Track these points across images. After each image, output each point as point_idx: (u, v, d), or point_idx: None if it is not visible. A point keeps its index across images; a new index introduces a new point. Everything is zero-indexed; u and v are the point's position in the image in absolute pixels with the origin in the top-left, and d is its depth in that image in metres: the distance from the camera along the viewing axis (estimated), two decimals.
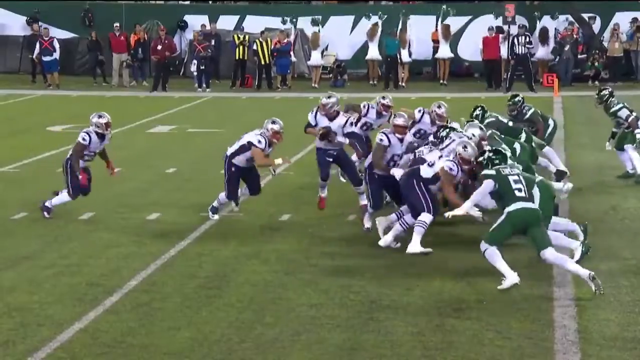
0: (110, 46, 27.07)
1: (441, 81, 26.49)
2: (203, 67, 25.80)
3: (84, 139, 10.95)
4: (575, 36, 25.95)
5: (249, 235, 10.37)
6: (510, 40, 24.38)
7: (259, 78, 26.10)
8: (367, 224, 10.17)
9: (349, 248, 9.68)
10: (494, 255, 8.39)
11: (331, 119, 10.74)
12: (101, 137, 11.01)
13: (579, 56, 26.26)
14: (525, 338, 7.28)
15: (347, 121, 10.71)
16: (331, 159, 10.71)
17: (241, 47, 26.17)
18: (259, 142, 10.33)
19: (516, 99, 12.25)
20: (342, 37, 27.78)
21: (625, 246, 9.80)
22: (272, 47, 25.78)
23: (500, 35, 25.49)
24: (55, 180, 12.47)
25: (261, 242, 10.04)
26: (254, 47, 25.79)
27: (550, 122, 12.50)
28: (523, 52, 24.18)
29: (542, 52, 25.87)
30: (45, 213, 11.07)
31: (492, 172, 8.71)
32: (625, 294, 8.31)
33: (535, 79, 25.83)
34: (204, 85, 25.95)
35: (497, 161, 8.85)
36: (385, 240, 9.54)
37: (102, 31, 27.28)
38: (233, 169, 10.56)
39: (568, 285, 8.54)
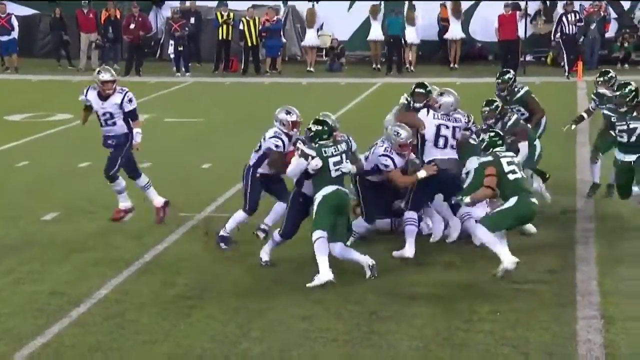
0: (77, 25, 27.09)
1: (452, 65, 26.51)
2: (181, 49, 25.82)
3: (277, 145, 9.64)
4: (602, 13, 25.93)
5: (234, 238, 10.36)
6: (558, 18, 24.21)
7: (245, 61, 26.13)
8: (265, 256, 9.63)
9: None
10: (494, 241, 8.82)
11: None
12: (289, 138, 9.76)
13: (607, 35, 26.24)
14: (545, 354, 7.29)
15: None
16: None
17: (225, 27, 26.18)
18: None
19: (506, 77, 11.77)
20: (339, 15, 27.77)
21: None
22: (260, 26, 25.80)
23: (518, 13, 25.51)
24: (15, 176, 12.48)
25: (247, 246, 10.02)
26: (240, 26, 25.80)
27: (537, 143, 11.41)
28: (573, 31, 23.95)
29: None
30: (223, 244, 10.00)
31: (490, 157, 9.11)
32: None
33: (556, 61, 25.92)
34: (183, 69, 25.97)
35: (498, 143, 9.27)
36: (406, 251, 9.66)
37: (68, 8, 27.29)
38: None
39: (593, 294, 8.58)
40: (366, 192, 9.80)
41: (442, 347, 7.43)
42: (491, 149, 9.23)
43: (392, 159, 9.55)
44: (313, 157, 8.93)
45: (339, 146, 9.05)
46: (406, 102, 10.43)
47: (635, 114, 10.50)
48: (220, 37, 26.27)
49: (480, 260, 9.38)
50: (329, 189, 8.94)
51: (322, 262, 8.69)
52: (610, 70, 11.99)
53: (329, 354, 7.35)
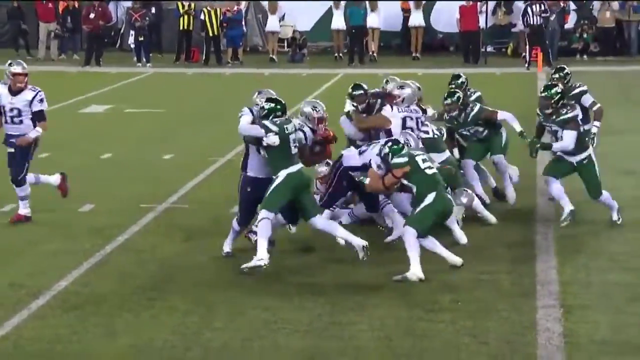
0: (35, 14, 26.82)
1: (414, 54, 26.59)
2: (142, 39, 25.68)
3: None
4: (562, 4, 26.11)
5: (196, 229, 10.36)
6: (523, 9, 24.23)
7: (206, 51, 26.04)
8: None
9: (307, 243, 9.66)
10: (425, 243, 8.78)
11: None
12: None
13: (566, 27, 26.40)
14: (505, 343, 7.32)
15: None
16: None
17: (186, 17, 26.07)
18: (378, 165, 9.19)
19: (460, 81, 11.29)
20: (301, 5, 27.71)
21: (615, 240, 9.92)
22: (222, 16, 25.70)
23: (479, 3, 25.63)
24: None
25: (209, 237, 9.99)
26: (201, 16, 25.71)
27: (503, 131, 11.08)
28: (538, 22, 23.95)
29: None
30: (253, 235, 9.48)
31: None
32: (617, 292, 8.39)
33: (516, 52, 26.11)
34: (144, 60, 25.83)
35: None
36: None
37: None
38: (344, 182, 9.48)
39: (553, 283, 8.62)
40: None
41: (403, 337, 7.44)
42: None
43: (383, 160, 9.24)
44: (275, 133, 8.91)
45: (294, 123, 9.10)
46: (353, 107, 10.21)
47: (555, 117, 10.19)
48: (181, 28, 26.16)
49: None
50: (293, 168, 8.91)
51: (262, 244, 8.68)
52: (566, 67, 11.74)
53: (291, 345, 7.32)
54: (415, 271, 8.66)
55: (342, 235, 8.95)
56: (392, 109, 10.06)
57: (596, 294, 8.35)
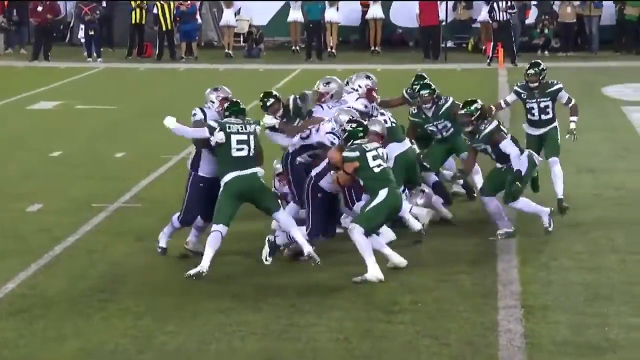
0: None
1: (373, 48, 26.63)
2: (92, 33, 25.48)
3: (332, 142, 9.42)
4: None
5: (149, 228, 10.29)
6: (490, 5, 24.31)
7: (159, 46, 25.89)
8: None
9: (264, 243, 9.52)
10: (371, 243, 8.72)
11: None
12: None
13: (527, 22, 26.53)
14: (466, 344, 7.34)
15: None
16: None
17: (138, 10, 25.91)
18: (332, 143, 9.32)
19: (424, 81, 11.08)
20: None
21: (576, 239, 9.97)
22: (175, 10, 25.57)
23: None
24: None
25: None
26: (154, 10, 25.56)
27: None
28: (505, 18, 23.96)
29: (485, 15, 25.30)
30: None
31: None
32: (578, 292, 8.44)
33: (477, 47, 26.25)
34: (95, 54, 25.64)
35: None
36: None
37: None
38: (319, 194, 9.18)
39: (514, 283, 8.65)
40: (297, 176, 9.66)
41: (362, 339, 7.44)
42: (352, 140, 8.98)
43: (338, 138, 9.31)
44: (220, 130, 8.89)
45: (248, 126, 9.00)
46: (277, 119, 9.77)
47: (477, 135, 9.90)
48: (133, 22, 26.01)
49: (404, 251, 9.28)
50: (229, 176, 8.86)
51: (208, 254, 8.74)
52: (541, 62, 11.47)
53: (247, 348, 7.31)
54: (374, 272, 8.65)
55: (298, 238, 8.89)
56: (323, 108, 9.95)
57: (557, 293, 8.40)
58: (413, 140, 10.80)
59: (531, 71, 11.33)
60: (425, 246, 9.73)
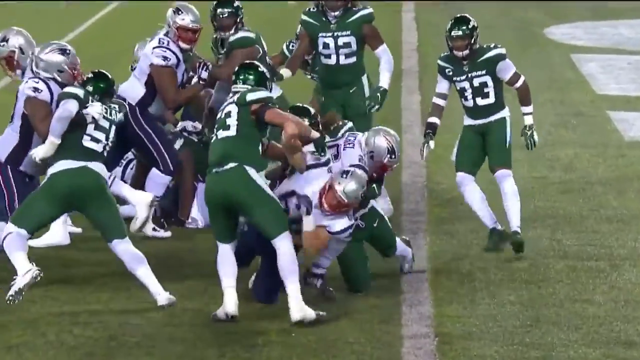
0: None
1: None
2: None
3: None
4: None
5: None
6: None
7: None
8: None
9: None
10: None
11: None
12: None
13: None
14: None
15: None
16: None
17: None
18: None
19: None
20: None
21: (510, 248, 9.71)
22: None
23: None
24: None
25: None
26: None
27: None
28: None
29: None
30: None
31: None
32: (512, 315, 8.16)
33: None
34: None
35: None
36: None
37: None
38: None
39: (426, 303, 8.37)
40: None
41: None
42: None
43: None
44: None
45: (113, 112, 8.86)
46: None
47: None
48: None
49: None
50: (61, 165, 8.52)
51: (17, 258, 8.41)
52: (470, 18, 9.77)
53: None
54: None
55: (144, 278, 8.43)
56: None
57: (483, 317, 8.09)
58: None
59: (456, 32, 9.68)
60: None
